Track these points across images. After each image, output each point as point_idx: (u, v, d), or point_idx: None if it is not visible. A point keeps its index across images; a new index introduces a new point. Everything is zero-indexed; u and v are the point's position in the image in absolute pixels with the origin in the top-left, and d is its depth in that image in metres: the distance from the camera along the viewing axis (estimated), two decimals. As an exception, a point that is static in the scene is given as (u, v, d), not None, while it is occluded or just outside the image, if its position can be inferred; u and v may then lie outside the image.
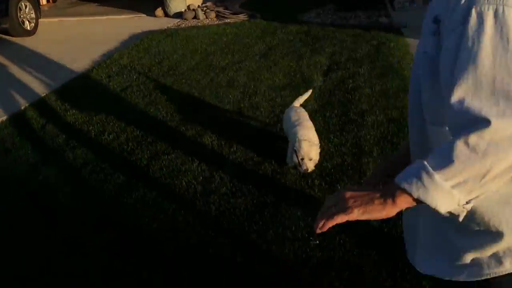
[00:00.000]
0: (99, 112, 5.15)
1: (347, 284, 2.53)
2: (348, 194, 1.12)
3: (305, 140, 3.41)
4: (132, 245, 3.03)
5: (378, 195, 1.09)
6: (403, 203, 1.06)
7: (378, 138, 4.06)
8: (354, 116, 4.55)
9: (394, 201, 1.06)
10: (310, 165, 3.42)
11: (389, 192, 1.08)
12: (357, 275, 2.59)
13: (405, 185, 1.04)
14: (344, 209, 1.09)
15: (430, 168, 1.01)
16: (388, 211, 1.07)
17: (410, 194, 1.04)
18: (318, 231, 1.12)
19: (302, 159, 3.36)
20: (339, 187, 3.41)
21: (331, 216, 1.10)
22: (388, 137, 4.07)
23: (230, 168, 3.83)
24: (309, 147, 3.38)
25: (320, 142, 3.65)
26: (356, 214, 1.09)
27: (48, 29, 9.75)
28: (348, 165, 3.69)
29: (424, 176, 1.02)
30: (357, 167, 3.64)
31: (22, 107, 5.52)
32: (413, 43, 6.68)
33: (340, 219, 1.09)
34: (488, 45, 0.98)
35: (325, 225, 1.11)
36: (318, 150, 3.51)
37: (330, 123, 4.46)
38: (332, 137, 4.15)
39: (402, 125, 4.23)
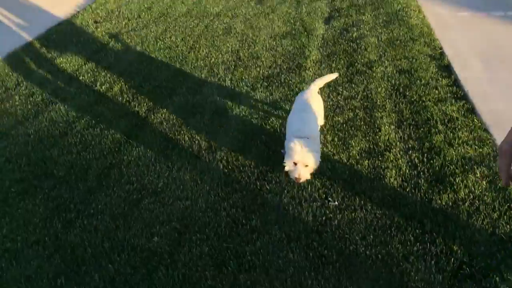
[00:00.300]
0: (89, 61, 4.82)
1: (372, 248, 2.39)
2: None
3: (299, 142, 2.57)
4: (137, 205, 2.84)
5: None
6: None
7: (390, 91, 3.86)
8: (362, 67, 4.32)
9: None
10: (304, 174, 2.58)
11: None
12: (382, 238, 2.45)
13: None
14: None
15: None
16: None
17: None
18: None
19: (295, 163, 2.58)
20: (352, 143, 3.23)
21: None
22: (400, 89, 3.87)
23: (234, 122, 3.61)
24: (304, 152, 2.56)
25: (324, 122, 3.25)
26: None
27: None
28: (360, 120, 3.50)
29: None
30: (370, 122, 3.46)
31: (4, 55, 5.14)
32: (417, -11, 6.36)
33: None
34: None
35: None
36: (317, 157, 2.63)
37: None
38: (341, 90, 3.94)
39: (414, 77, 4.03)
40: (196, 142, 3.40)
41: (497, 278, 2.16)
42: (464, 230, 2.42)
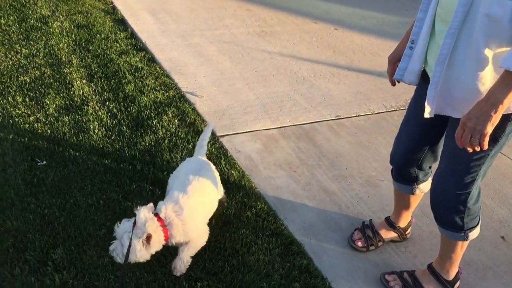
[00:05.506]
0: None
1: (92, 196, 2.50)
2: None
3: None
4: None
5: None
6: None
7: (73, 46, 3.86)
8: (36, 22, 4.13)
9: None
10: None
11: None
12: (100, 185, 2.58)
13: None
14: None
15: None
16: None
17: None
18: None
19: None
20: (47, 101, 3.15)
21: None
22: (83, 44, 3.91)
23: None
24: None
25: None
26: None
27: None
28: (49, 77, 3.41)
29: None
30: (60, 79, 3.41)
31: None
32: None
33: None
34: None
35: None
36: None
37: (10, 31, 3.93)
38: (19, 48, 3.70)
39: (93, 32, 4.12)
40: None
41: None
42: (169, 163, 2.78)
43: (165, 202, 2.06)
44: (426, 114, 1.81)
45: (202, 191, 2.17)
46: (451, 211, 1.96)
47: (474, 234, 2.05)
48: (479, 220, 2.05)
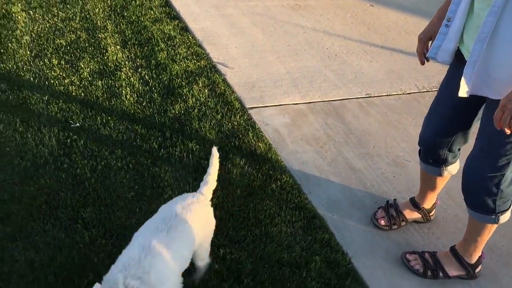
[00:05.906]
0: None
1: (122, 160, 2.56)
2: None
3: None
4: None
5: None
6: None
7: (108, 12, 3.89)
8: (73, -13, 4.17)
9: None
10: None
11: None
12: (130, 149, 2.64)
13: None
14: None
15: None
16: None
17: None
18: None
19: None
20: (82, 65, 3.22)
21: None
22: (118, 10, 3.94)
23: None
24: None
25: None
26: None
27: None
28: (84, 41, 3.47)
29: None
30: (95, 43, 3.47)
31: None
32: None
33: None
34: None
35: None
36: None
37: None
38: (56, 11, 3.76)
39: (128, -3, 4.14)
40: None
41: (229, 164, 2.63)
42: (198, 132, 2.82)
43: (122, 268, 1.56)
44: (463, 94, 1.78)
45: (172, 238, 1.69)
46: (483, 193, 1.95)
47: (505, 217, 2.03)
48: (510, 204, 2.03)
